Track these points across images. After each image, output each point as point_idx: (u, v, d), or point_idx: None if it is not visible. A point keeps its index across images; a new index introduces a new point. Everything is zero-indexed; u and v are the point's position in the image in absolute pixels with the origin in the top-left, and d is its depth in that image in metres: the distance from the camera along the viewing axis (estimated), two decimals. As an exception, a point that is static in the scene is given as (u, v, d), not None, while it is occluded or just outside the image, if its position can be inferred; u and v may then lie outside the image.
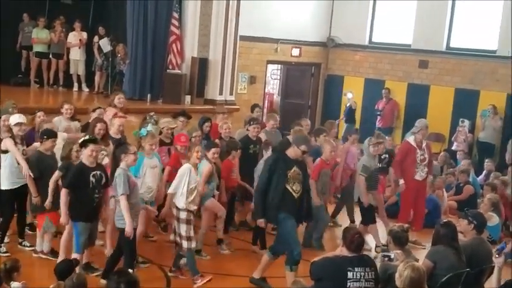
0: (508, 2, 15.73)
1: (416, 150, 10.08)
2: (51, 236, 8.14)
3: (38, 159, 8.03)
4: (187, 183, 7.63)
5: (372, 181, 9.39)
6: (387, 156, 10.76)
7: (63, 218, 7.36)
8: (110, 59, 15.10)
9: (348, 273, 5.73)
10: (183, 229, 7.59)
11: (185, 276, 7.81)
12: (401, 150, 10.54)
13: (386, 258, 6.12)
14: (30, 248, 8.31)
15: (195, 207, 7.83)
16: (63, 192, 7.27)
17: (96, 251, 7.99)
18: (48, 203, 7.85)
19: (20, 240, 8.49)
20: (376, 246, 9.51)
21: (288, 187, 7.37)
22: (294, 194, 7.38)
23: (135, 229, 7.28)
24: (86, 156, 7.30)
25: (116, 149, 7.74)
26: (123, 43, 15.00)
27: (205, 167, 8.24)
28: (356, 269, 5.76)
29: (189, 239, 7.60)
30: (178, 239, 7.68)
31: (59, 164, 8.03)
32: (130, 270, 7.06)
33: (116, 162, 7.51)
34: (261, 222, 7.55)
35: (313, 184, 8.98)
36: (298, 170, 7.42)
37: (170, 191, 7.78)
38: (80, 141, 7.51)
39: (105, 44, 15.11)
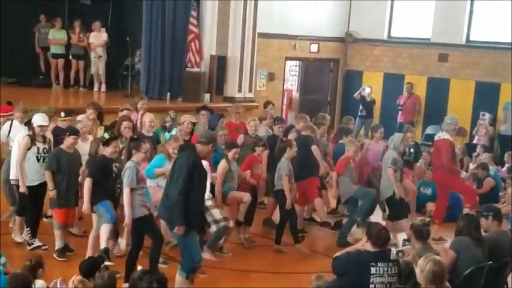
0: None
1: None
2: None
3: (56, 155, 8.08)
4: None
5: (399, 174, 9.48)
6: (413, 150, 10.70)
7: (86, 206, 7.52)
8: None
9: (372, 268, 5.67)
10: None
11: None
12: (445, 148, 10.22)
13: (400, 253, 6.05)
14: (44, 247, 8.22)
15: None
16: (87, 181, 7.49)
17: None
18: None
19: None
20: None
21: None
22: None
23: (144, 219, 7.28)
24: (109, 153, 7.57)
25: (130, 143, 7.76)
26: (141, 43, 15.03)
27: (221, 165, 8.45)
28: (379, 264, 5.69)
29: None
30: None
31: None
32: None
33: (128, 156, 7.53)
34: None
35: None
36: None
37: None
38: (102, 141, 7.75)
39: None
